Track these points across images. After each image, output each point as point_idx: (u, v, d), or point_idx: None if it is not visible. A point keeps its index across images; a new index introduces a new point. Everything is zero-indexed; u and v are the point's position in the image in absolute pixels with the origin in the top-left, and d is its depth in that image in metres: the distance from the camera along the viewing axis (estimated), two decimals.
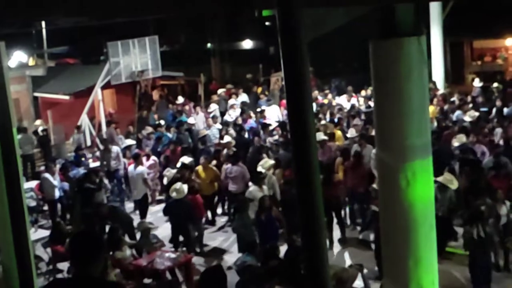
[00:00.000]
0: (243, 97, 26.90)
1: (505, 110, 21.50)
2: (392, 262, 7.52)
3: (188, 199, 14.91)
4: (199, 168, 17.01)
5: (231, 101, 25.66)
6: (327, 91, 27.46)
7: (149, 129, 22.08)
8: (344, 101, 25.14)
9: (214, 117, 22.96)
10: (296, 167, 3.35)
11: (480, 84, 26.34)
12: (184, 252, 13.85)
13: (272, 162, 16.23)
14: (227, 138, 18.92)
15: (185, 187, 14.90)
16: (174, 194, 14.82)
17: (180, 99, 27.09)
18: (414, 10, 7.11)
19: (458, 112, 21.33)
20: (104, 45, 24.41)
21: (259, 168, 15.69)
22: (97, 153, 21.04)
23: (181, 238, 15.01)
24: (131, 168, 17.55)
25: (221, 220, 17.33)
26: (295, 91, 3.28)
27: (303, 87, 3.30)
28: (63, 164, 18.93)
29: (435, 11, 26.24)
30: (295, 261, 10.85)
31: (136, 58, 23.16)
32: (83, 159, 20.16)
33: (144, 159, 18.08)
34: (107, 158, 19.14)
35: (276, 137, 19.68)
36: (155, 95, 28.74)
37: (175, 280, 13.13)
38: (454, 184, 14.08)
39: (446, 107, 22.68)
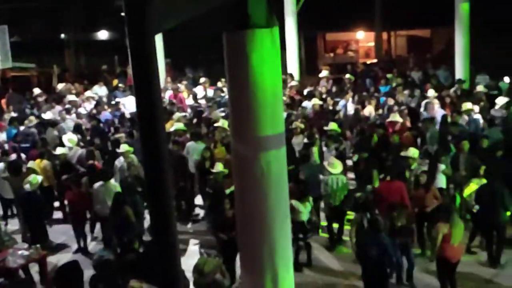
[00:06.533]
0: (99, 89, 26.38)
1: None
2: (247, 251, 7.61)
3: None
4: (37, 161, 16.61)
5: (86, 93, 25.12)
6: (184, 82, 27.39)
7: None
8: (200, 92, 25.17)
9: (68, 110, 22.30)
10: (145, 160, 3.30)
11: (325, 74, 27.07)
12: (38, 249, 13.38)
13: (132, 154, 16.09)
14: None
15: (39, 178, 14.52)
16: (27, 186, 14.33)
17: (37, 91, 26.13)
18: (266, 2, 7.18)
19: (306, 102, 22.10)
20: None
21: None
22: None
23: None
24: None
25: None
26: (144, 85, 3.22)
27: (152, 81, 3.24)
28: None
29: (289, 3, 26.75)
30: (153, 254, 10.74)
31: None
32: None
33: None
34: None
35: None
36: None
37: (29, 278, 12.70)
38: (335, 169, 14.41)
39: (297, 98, 23.29)
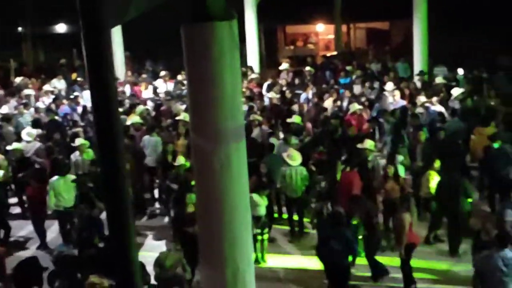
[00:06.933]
0: (58, 83, 26.07)
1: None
2: (208, 244, 7.58)
3: None
4: None
5: (45, 87, 24.79)
6: (144, 75, 27.22)
7: None
8: (160, 86, 25.04)
9: (26, 104, 21.99)
10: (100, 155, 3.26)
11: (285, 66, 27.13)
12: None
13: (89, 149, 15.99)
14: None
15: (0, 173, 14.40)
16: None
17: None
18: None
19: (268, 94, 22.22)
20: None
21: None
22: None
23: None
24: None
25: None
26: (98, 80, 3.17)
27: (107, 76, 3.20)
28: None
29: None
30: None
31: None
32: None
33: None
34: None
35: None
36: None
37: None
38: (295, 161, 14.45)
39: (256, 90, 23.31)
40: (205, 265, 7.80)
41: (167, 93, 23.57)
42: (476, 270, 9.76)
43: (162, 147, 16.73)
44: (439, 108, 19.05)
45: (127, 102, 21.56)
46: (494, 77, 24.11)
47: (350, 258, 11.76)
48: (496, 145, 15.35)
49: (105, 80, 3.15)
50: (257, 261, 12.71)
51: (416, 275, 12.28)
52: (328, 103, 20.86)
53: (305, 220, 14.69)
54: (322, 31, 37.47)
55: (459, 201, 13.40)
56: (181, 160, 14.81)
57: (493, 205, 14.89)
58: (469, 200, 13.66)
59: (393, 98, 20.92)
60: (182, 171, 14.65)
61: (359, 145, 15.14)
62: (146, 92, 24.47)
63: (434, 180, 13.91)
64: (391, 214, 13.28)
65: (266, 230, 13.58)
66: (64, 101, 22.81)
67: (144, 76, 27.14)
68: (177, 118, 18.38)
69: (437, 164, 14.06)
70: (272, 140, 16.61)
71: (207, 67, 7.07)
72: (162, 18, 17.37)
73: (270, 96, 21.53)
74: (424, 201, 14.35)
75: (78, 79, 26.69)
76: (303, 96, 22.15)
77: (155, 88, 24.56)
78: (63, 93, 25.02)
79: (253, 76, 25.66)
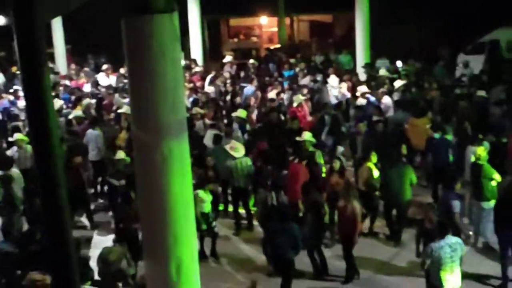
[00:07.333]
0: None
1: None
2: (151, 240, 7.52)
3: None
4: None
5: None
6: (86, 69, 26.86)
7: None
8: (103, 79, 24.72)
9: None
10: (35, 150, 3.20)
11: (229, 59, 27.13)
12: None
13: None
14: None
15: None
16: None
17: None
18: None
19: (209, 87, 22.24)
20: None
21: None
22: None
23: None
24: None
25: None
26: (32, 74, 3.10)
27: (40, 70, 3.12)
28: None
29: None
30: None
31: None
32: None
33: None
34: None
35: None
36: None
37: None
38: (239, 152, 14.46)
39: (199, 84, 23.23)
40: (148, 260, 7.73)
41: (109, 86, 23.29)
42: (433, 260, 9.96)
43: (103, 141, 16.53)
44: (386, 100, 19.35)
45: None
46: (434, 69, 24.61)
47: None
48: (437, 135, 15.67)
49: (38, 74, 3.08)
50: (202, 257, 12.64)
51: (360, 265, 12.44)
52: (272, 95, 20.91)
53: (252, 211, 14.72)
54: (266, 23, 37.54)
55: (399, 191, 13.62)
56: (121, 154, 14.66)
57: (436, 195, 15.16)
58: (409, 190, 13.89)
59: (340, 91, 21.15)
60: (121, 166, 14.50)
61: (298, 138, 15.26)
62: (88, 86, 24.13)
63: (370, 172, 14.03)
64: (335, 207, 13.40)
65: (214, 224, 13.56)
66: (4, 95, 22.33)
67: (86, 69, 26.77)
68: (119, 111, 18.18)
69: (373, 156, 14.20)
70: (212, 132, 16.57)
71: (147, 60, 7.00)
72: (103, 10, 17.14)
73: (207, 90, 21.53)
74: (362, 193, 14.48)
75: (18, 72, 26.13)
76: (248, 89, 22.13)
77: (96, 82, 24.23)
78: (1, 87, 24.50)
79: (197, 69, 25.57)
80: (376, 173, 13.94)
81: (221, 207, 15.46)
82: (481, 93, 19.14)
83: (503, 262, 11.95)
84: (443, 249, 9.94)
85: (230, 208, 15.53)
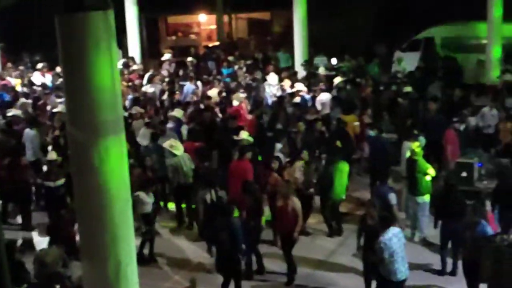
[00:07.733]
0: None
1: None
2: (88, 240, 7.44)
3: None
4: None
5: None
6: (21, 67, 26.26)
7: None
8: (38, 78, 24.20)
9: None
10: None
11: (168, 57, 26.93)
12: None
13: None
14: None
15: None
16: None
17: None
18: None
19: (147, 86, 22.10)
20: None
21: None
22: None
23: None
24: None
25: None
26: None
27: None
28: None
29: None
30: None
31: None
32: None
33: None
34: None
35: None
36: None
37: None
38: (178, 150, 14.39)
39: (137, 82, 23.00)
40: (86, 261, 7.64)
41: (44, 85, 22.83)
42: (390, 253, 10.09)
43: (39, 141, 16.24)
44: (323, 97, 19.55)
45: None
46: (370, 66, 24.96)
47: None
48: (372, 133, 15.93)
49: None
50: (142, 258, 12.50)
51: (299, 263, 12.49)
52: (212, 93, 20.78)
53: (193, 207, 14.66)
54: (204, 21, 37.39)
55: (333, 188, 13.83)
56: (52, 155, 14.43)
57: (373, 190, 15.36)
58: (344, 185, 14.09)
59: (281, 87, 21.23)
60: (53, 166, 14.27)
61: (235, 137, 15.30)
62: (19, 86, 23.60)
63: (300, 171, 14.12)
64: (275, 207, 13.42)
65: (154, 226, 13.47)
66: None
67: (21, 68, 26.19)
68: (54, 111, 17.89)
69: (305, 154, 14.30)
70: (147, 130, 16.47)
71: (82, 58, 6.92)
72: (38, 7, 16.83)
73: (144, 90, 21.36)
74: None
75: None
76: (188, 87, 21.96)
77: (30, 81, 23.72)
78: None
79: (135, 67, 25.30)
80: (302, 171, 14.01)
81: (161, 203, 15.39)
82: (408, 89, 19.55)
83: (442, 253, 12.25)
84: (392, 240, 10.10)
85: (169, 205, 15.48)
